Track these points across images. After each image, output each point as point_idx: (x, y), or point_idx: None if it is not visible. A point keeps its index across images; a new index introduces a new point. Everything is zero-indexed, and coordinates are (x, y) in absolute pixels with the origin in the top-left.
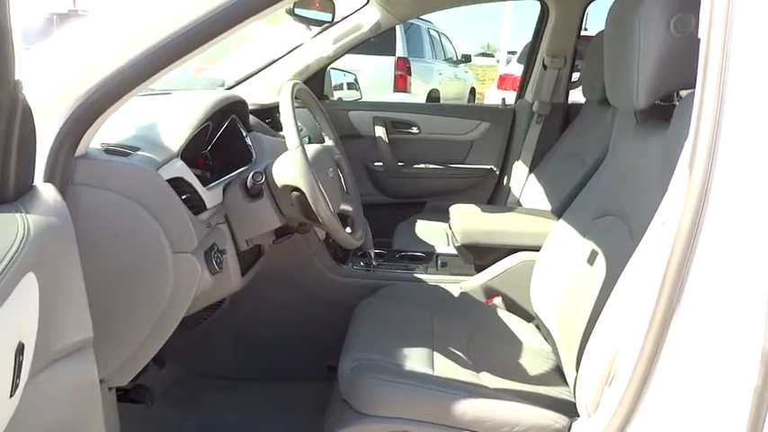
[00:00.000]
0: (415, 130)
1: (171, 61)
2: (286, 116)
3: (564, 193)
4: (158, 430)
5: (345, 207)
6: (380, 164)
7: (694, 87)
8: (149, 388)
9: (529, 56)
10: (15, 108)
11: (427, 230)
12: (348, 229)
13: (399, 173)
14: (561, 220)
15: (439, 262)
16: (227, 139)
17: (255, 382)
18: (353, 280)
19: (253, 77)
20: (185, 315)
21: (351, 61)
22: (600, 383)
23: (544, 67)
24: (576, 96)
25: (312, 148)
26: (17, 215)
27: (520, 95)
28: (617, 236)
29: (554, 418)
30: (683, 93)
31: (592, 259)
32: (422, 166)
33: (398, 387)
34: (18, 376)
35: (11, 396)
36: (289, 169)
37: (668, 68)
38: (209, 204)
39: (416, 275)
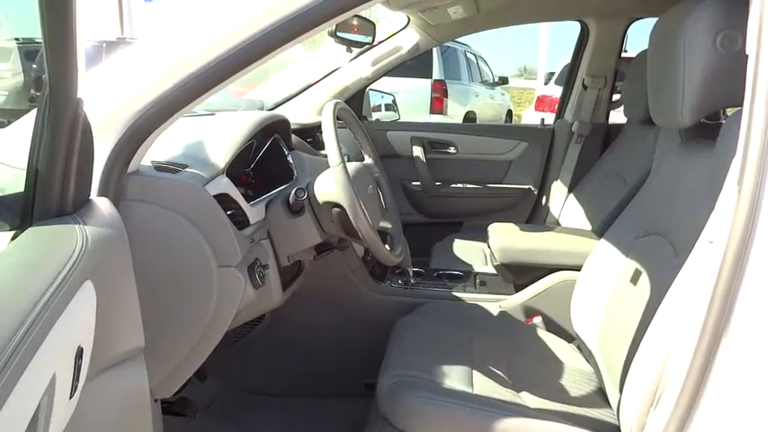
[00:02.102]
0: (452, 149)
1: (216, 83)
2: (328, 134)
3: (605, 212)
4: None
5: (385, 224)
6: (418, 183)
7: (741, 105)
8: (192, 401)
9: (568, 76)
10: (77, 125)
11: (465, 249)
12: (387, 247)
13: (437, 192)
14: (603, 239)
15: (477, 281)
16: (269, 158)
17: (294, 399)
18: (392, 298)
19: (293, 99)
20: (228, 329)
21: (388, 83)
22: (645, 406)
23: (584, 87)
24: (616, 117)
25: (352, 166)
26: (76, 227)
27: (559, 116)
28: (661, 255)
29: None
30: (729, 111)
31: (635, 278)
32: (459, 185)
33: (438, 404)
34: (77, 379)
35: (70, 398)
36: (330, 185)
37: (714, 86)
38: (252, 220)
39: (455, 294)
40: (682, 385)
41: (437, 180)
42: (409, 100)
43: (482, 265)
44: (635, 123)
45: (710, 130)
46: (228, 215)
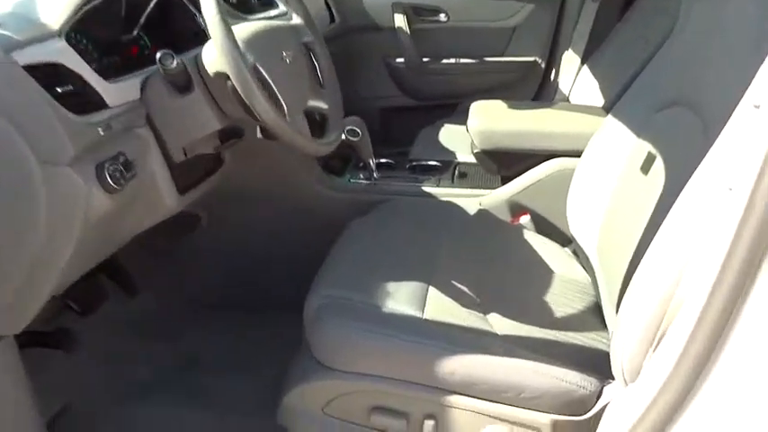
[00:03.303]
0: (442, 17)
1: None
2: None
3: (621, 84)
4: (132, 366)
5: (316, 103)
6: (402, 60)
7: None
8: (70, 330)
9: None
10: None
11: (452, 136)
12: (329, 137)
13: (425, 70)
14: (610, 115)
15: (456, 172)
16: (171, 20)
17: (242, 313)
18: (350, 196)
19: None
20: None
21: None
22: (641, 345)
23: None
24: None
25: (257, 26)
26: None
27: None
28: (685, 133)
29: (578, 381)
30: None
31: (648, 165)
32: (451, 60)
33: (367, 336)
34: None
35: None
36: (213, 49)
37: None
38: (112, 101)
39: (425, 189)
40: (696, 323)
41: (424, 55)
42: None
43: (466, 154)
44: None
45: None
46: (62, 93)
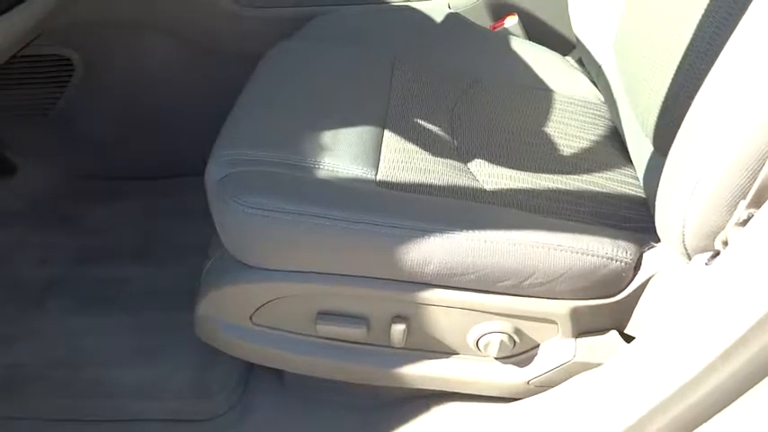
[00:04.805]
0: None
1: None
2: None
3: None
4: (28, 263)
5: None
6: None
7: None
8: None
9: None
10: None
11: None
12: None
13: None
14: None
15: None
16: None
17: (145, 183)
18: (269, 12)
19: None
20: None
21: None
22: (721, 196)
23: None
24: None
25: None
26: None
27: None
28: None
29: (608, 251)
30: None
31: None
32: None
33: (296, 219)
34: None
35: None
36: None
37: None
38: None
39: None
40: None
41: None
42: None
43: None
44: None
45: None
46: None
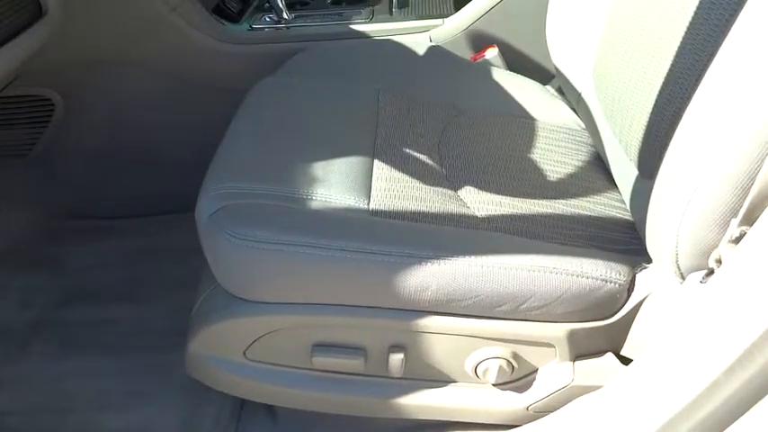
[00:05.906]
0: None
1: None
2: None
3: None
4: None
5: None
6: None
7: None
8: None
9: None
10: None
11: None
12: None
13: None
14: None
15: (395, 0)
16: None
17: (130, 222)
18: (253, 49)
19: None
20: None
21: None
22: (713, 215)
23: None
24: None
25: None
26: None
27: None
28: None
29: (602, 273)
30: None
31: None
32: None
33: (289, 250)
34: None
35: None
36: None
37: None
38: None
39: (355, 28)
40: None
41: None
42: None
43: None
44: None
45: None
46: None
